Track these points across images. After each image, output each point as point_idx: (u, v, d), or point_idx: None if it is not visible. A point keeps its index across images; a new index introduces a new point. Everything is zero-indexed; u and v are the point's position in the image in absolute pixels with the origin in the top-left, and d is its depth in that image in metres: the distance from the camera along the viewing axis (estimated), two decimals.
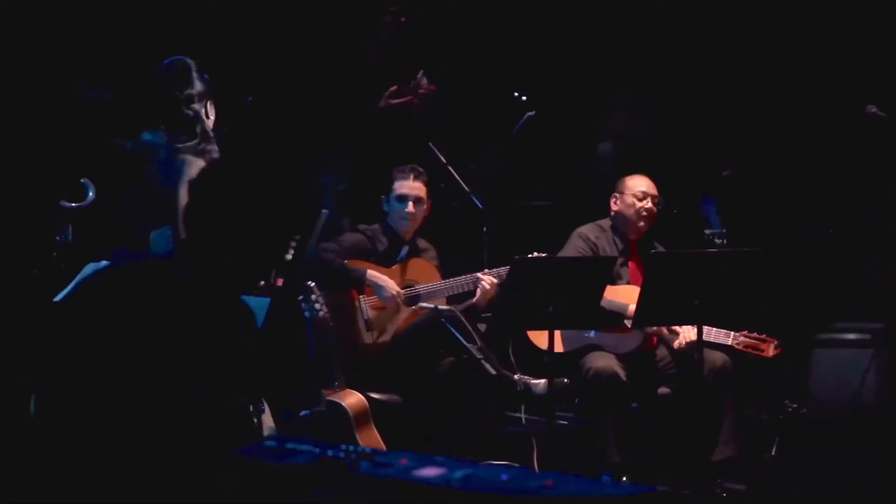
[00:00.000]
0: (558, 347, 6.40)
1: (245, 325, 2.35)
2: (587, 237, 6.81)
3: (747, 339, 6.46)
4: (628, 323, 6.43)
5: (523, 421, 6.84)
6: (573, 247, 6.78)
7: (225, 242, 2.50)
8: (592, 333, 6.56)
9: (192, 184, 2.46)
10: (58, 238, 5.94)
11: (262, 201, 2.52)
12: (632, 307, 6.30)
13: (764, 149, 8.26)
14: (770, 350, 6.43)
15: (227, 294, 2.36)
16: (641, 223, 6.77)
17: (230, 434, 2.32)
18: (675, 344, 6.57)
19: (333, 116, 8.06)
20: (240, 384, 2.34)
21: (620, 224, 6.83)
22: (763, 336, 6.43)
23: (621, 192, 6.82)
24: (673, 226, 7.24)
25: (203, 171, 2.44)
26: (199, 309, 2.31)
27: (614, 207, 6.84)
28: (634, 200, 6.76)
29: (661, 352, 6.69)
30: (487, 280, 6.62)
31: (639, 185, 6.79)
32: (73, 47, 7.10)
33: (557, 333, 6.39)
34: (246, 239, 2.51)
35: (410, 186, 6.85)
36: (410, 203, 6.83)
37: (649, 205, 6.77)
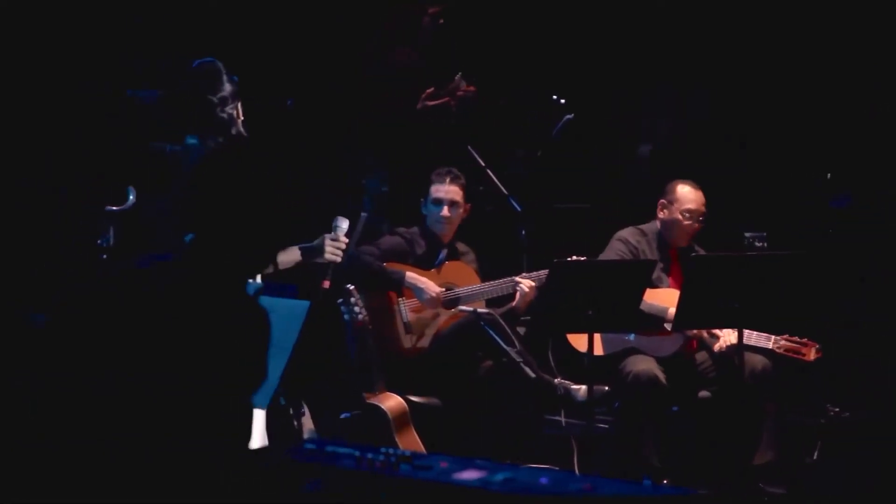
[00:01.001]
0: (598, 350, 6.38)
1: (254, 326, 2.34)
2: (627, 240, 6.79)
3: (788, 343, 6.42)
4: (668, 326, 6.41)
5: (563, 423, 6.83)
6: (613, 250, 6.76)
7: (233, 241, 2.49)
8: (632, 336, 6.54)
9: (201, 180, 2.45)
10: (100, 241, 5.98)
11: (272, 200, 2.50)
12: (671, 310, 6.28)
13: (808, 149, 8.21)
14: (812, 354, 6.39)
15: (232, 293, 2.35)
16: (685, 237, 6.74)
17: (236, 435, 2.31)
18: (716, 347, 6.54)
19: (370, 119, 8.06)
20: (244, 385, 2.33)
21: (665, 231, 6.80)
22: (804, 340, 6.40)
23: (670, 202, 6.78)
24: (712, 228, 7.20)
25: (209, 168, 2.43)
26: (206, 309, 2.30)
27: (661, 214, 6.81)
28: (681, 217, 6.73)
29: (702, 355, 6.66)
30: (526, 284, 6.61)
31: (688, 201, 6.73)
32: (118, 50, 7.13)
33: (597, 336, 6.37)
34: (253, 237, 2.50)
35: (446, 190, 6.84)
36: (445, 207, 6.83)
37: (696, 225, 6.73)
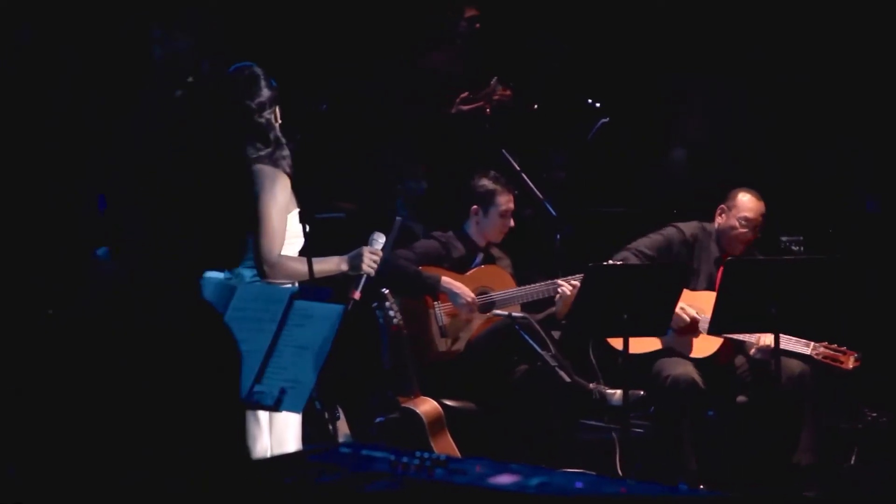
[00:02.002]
0: (633, 348, 6.35)
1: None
2: (682, 230, 6.75)
3: (827, 351, 6.39)
4: (703, 328, 6.39)
5: (606, 422, 6.80)
6: (660, 233, 6.73)
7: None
8: (669, 332, 6.48)
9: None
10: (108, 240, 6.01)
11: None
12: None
13: (846, 153, 8.17)
14: (850, 363, 6.36)
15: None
16: (738, 246, 6.71)
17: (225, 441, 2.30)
18: (754, 343, 6.50)
19: (406, 122, 8.07)
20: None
21: (721, 236, 6.77)
22: (843, 349, 6.36)
23: (729, 208, 6.74)
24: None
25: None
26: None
27: (718, 220, 6.78)
28: (736, 224, 6.70)
29: (739, 359, 6.64)
30: (567, 287, 6.57)
31: (746, 209, 6.70)
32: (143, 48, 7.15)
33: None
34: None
35: (509, 200, 6.86)
36: (511, 218, 6.87)
37: (750, 235, 6.70)
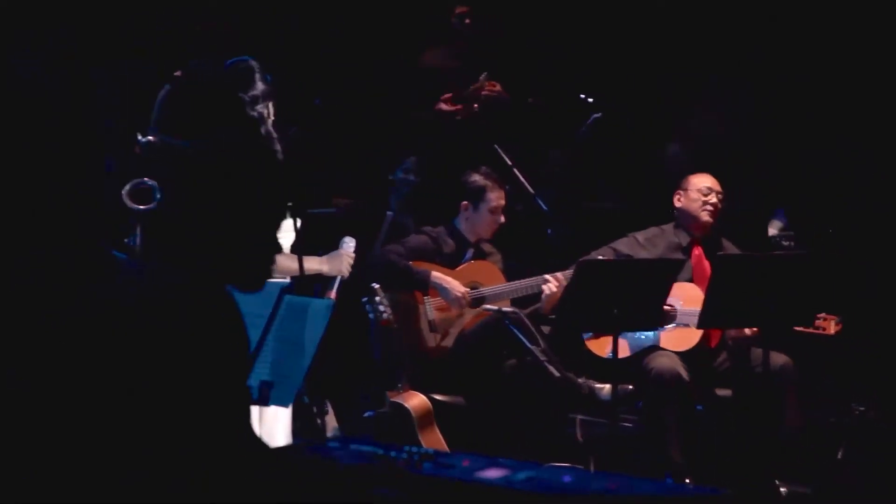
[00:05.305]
0: (622, 353, 6.39)
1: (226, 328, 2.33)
2: (635, 238, 6.80)
3: None
4: (691, 322, 6.40)
5: (578, 437, 6.82)
6: (616, 243, 6.77)
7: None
8: (651, 334, 6.53)
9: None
10: (127, 241, 6.00)
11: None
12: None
13: (834, 151, 8.18)
14: (832, 327, 6.38)
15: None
16: (706, 218, 6.74)
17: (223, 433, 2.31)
18: (730, 336, 6.53)
19: (399, 119, 8.08)
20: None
21: (684, 220, 6.81)
22: (823, 315, 6.38)
23: (685, 189, 6.81)
24: (738, 228, 7.18)
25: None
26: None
27: (678, 204, 6.83)
28: (699, 196, 6.75)
29: (722, 353, 6.66)
30: (552, 283, 6.58)
31: (703, 181, 6.79)
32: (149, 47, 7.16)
33: (622, 343, 6.39)
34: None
35: (500, 197, 6.87)
36: (502, 215, 6.88)
37: (714, 199, 6.75)
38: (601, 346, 6.47)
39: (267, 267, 2.56)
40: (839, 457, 6.84)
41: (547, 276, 6.63)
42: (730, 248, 6.85)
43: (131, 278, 2.37)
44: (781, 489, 6.29)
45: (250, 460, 2.36)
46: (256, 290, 2.56)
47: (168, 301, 2.26)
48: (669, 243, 6.78)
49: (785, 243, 7.63)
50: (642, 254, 6.68)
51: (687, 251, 6.76)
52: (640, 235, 6.83)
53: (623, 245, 6.76)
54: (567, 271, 6.61)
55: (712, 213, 6.75)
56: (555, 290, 6.55)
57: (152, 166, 2.49)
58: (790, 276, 6.04)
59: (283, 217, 2.55)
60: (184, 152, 2.45)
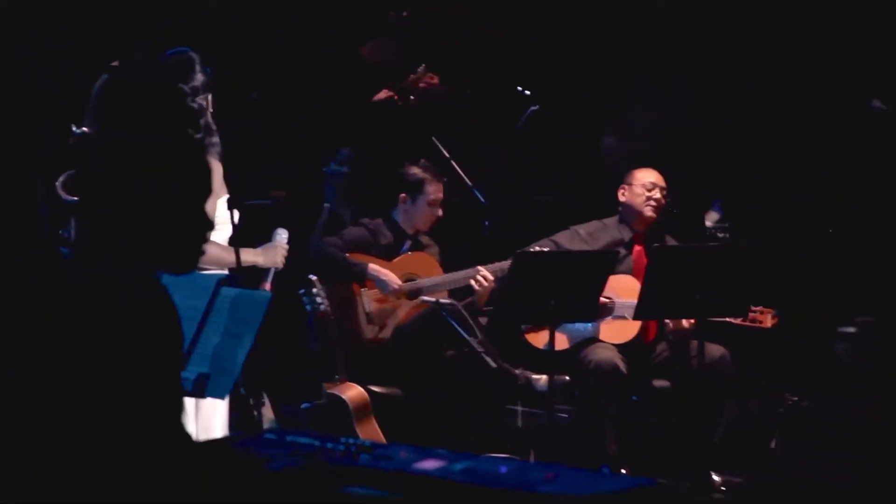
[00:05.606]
0: (561, 346, 6.42)
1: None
2: (577, 231, 6.82)
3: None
4: (628, 314, 6.43)
5: (519, 424, 6.85)
6: (561, 235, 6.79)
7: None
8: (590, 327, 6.56)
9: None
10: (62, 232, 5.94)
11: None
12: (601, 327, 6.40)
13: (769, 143, 8.24)
14: (768, 321, 6.43)
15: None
16: (650, 213, 6.76)
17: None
18: (668, 323, 6.57)
19: (335, 110, 8.06)
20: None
21: (628, 215, 6.83)
22: (759, 308, 6.43)
23: (630, 184, 6.82)
24: (677, 221, 7.23)
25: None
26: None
27: (622, 199, 6.84)
28: (643, 191, 6.77)
29: (661, 345, 6.70)
30: (482, 277, 6.59)
31: (648, 176, 6.80)
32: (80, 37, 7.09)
33: (561, 336, 6.42)
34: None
35: (440, 190, 6.87)
36: (440, 208, 6.88)
37: (658, 195, 6.77)
38: (540, 339, 6.49)
39: (197, 249, 2.54)
40: (772, 446, 6.91)
41: (480, 268, 6.63)
42: (673, 244, 6.87)
43: (65, 271, 2.36)
44: (716, 479, 6.35)
45: (178, 455, 2.34)
46: (187, 272, 2.54)
47: (99, 293, 2.25)
48: (612, 238, 6.80)
49: (720, 235, 7.68)
50: (583, 248, 6.69)
51: (629, 246, 6.79)
52: (582, 229, 6.85)
53: (564, 238, 6.77)
54: (496, 264, 6.62)
55: (655, 209, 6.77)
56: (486, 284, 6.56)
57: (86, 157, 2.47)
58: (725, 268, 6.09)
59: (209, 197, 2.54)
60: (117, 143, 2.43)
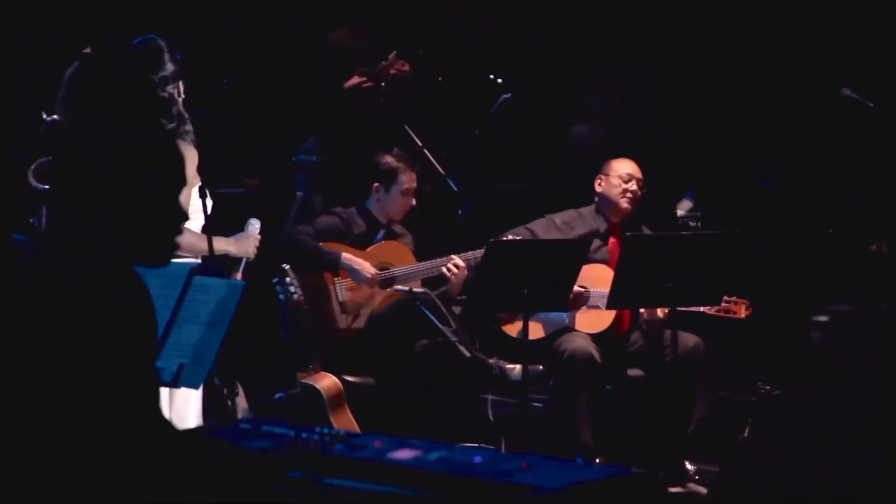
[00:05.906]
0: (535, 335, 6.42)
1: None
2: (552, 220, 6.82)
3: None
4: (602, 304, 6.44)
5: (490, 417, 6.86)
6: (536, 224, 6.78)
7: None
8: (565, 317, 6.57)
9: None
10: (32, 220, 5.91)
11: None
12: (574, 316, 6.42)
13: (742, 133, 8.26)
14: (742, 311, 6.45)
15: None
16: (625, 205, 6.75)
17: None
18: (643, 313, 6.59)
19: (306, 98, 8.03)
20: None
21: (604, 205, 6.82)
22: (733, 299, 6.45)
23: (606, 175, 6.81)
24: (650, 209, 7.23)
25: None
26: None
27: (598, 189, 6.83)
28: (620, 182, 6.76)
29: (635, 334, 6.71)
30: (453, 265, 6.58)
31: (625, 167, 6.79)
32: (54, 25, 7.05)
33: (535, 324, 6.42)
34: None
35: (411, 178, 6.85)
36: (413, 197, 6.87)
37: (634, 187, 6.76)
38: (516, 329, 6.49)
39: (171, 244, 2.53)
40: (746, 435, 6.93)
41: (453, 256, 6.63)
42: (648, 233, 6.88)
43: (32, 261, 2.34)
44: (690, 467, 6.37)
45: (156, 443, 2.33)
46: (161, 265, 2.53)
47: (70, 282, 2.23)
48: (587, 228, 6.79)
49: (692, 223, 7.69)
50: (558, 237, 6.69)
51: (605, 237, 6.78)
52: (558, 218, 6.84)
53: (539, 227, 6.77)
54: (469, 253, 6.62)
55: (631, 201, 6.77)
56: (457, 272, 6.56)
57: (57, 146, 2.45)
58: (698, 257, 6.10)
59: (182, 188, 2.52)
60: (88, 132, 2.41)
